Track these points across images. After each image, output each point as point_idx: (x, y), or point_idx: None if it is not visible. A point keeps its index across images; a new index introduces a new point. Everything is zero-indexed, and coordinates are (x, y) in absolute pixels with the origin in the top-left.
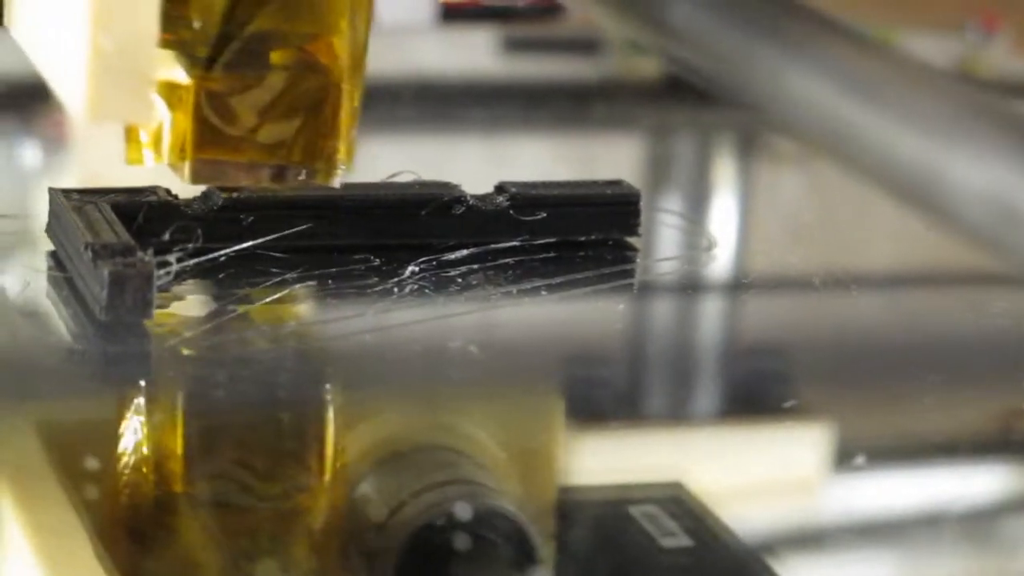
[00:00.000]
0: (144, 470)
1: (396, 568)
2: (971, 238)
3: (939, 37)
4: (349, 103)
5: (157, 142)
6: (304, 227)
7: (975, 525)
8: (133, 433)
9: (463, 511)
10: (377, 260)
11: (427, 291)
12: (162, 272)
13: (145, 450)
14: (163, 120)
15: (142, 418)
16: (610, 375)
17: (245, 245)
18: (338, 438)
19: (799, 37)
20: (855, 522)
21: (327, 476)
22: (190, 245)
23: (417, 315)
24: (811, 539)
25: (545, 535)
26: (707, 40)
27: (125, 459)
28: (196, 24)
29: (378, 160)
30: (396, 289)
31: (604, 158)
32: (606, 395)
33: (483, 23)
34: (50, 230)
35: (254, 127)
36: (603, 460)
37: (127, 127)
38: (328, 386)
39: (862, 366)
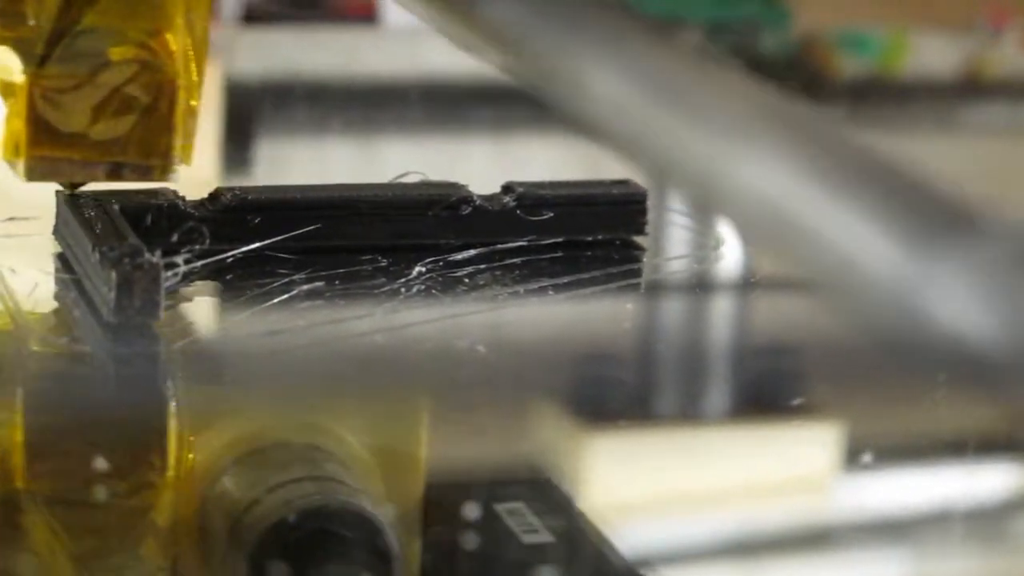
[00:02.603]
0: None
1: (248, 564)
2: (753, 243)
3: (949, 35)
4: (186, 99)
5: None
6: (312, 228)
7: (984, 523)
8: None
9: (316, 507)
10: (384, 260)
11: (434, 291)
12: (170, 274)
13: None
14: None
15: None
16: (618, 374)
17: (253, 246)
18: (199, 436)
19: (600, 37)
20: (864, 520)
21: (186, 473)
22: (198, 246)
23: (425, 315)
24: (820, 537)
25: (405, 532)
26: (516, 39)
27: None
28: (31, 21)
29: (386, 161)
30: (403, 289)
31: (612, 158)
32: (614, 394)
33: None
34: (58, 232)
35: (88, 124)
36: (613, 459)
37: None
38: (190, 387)
39: (870, 364)
